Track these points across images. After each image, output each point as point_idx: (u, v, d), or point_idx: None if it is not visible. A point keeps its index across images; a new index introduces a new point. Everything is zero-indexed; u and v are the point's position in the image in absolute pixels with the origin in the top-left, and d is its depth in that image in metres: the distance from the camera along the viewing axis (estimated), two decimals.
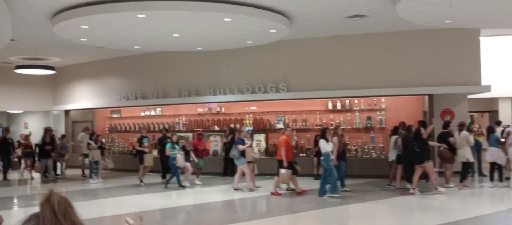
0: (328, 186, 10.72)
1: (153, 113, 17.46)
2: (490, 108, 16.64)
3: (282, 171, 10.85)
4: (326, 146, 10.61)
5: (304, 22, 11.97)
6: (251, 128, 15.47)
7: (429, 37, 13.32)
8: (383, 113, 14.56)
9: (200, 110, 16.63)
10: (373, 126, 14.55)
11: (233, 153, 11.82)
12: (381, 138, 14.44)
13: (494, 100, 16.23)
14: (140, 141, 13.89)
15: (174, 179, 12.40)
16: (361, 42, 13.85)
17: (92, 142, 14.26)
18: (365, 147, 14.40)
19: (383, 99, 14.47)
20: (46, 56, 16.63)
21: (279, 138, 11.69)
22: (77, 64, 18.74)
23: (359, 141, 14.52)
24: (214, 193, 12.06)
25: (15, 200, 11.86)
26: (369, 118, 14.62)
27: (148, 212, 9.38)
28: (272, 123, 15.51)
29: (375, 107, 14.62)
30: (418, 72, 13.40)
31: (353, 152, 14.38)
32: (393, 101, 14.55)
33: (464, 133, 11.66)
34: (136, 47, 14.01)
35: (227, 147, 14.76)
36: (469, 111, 14.10)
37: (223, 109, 16.29)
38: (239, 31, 11.67)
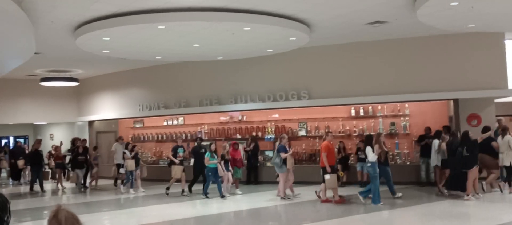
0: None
1: (175, 122, 17.56)
2: None
3: (327, 176, 10.75)
4: (371, 155, 10.49)
5: (324, 29, 11.88)
6: (273, 136, 15.44)
7: (452, 42, 13.07)
8: (407, 118, 14.31)
9: (223, 119, 16.65)
10: (397, 132, 14.31)
11: (276, 160, 11.60)
12: (406, 144, 14.20)
13: None
14: (175, 150, 13.52)
15: (211, 186, 12.28)
16: (383, 48, 13.67)
17: (127, 152, 14.04)
18: (390, 153, 14.16)
19: (406, 105, 14.23)
20: (70, 68, 16.93)
21: (321, 144, 11.55)
22: (100, 76, 19.02)
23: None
24: (260, 202, 11.72)
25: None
26: (393, 124, 14.40)
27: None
28: (295, 130, 15.42)
29: (399, 113, 14.39)
30: (442, 77, 13.14)
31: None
32: (417, 107, 14.29)
33: (508, 137, 11.36)
34: (157, 58, 14.14)
35: (250, 155, 14.75)
36: (496, 116, 13.74)
37: (245, 118, 16.28)
38: (259, 40, 11.66)
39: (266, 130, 15.70)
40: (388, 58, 13.70)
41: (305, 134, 15.26)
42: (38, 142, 16.48)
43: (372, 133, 11.68)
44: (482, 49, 12.98)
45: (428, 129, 13.08)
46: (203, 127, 16.93)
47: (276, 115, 15.80)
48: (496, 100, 13.76)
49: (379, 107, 14.49)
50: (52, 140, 22.19)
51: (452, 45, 13.12)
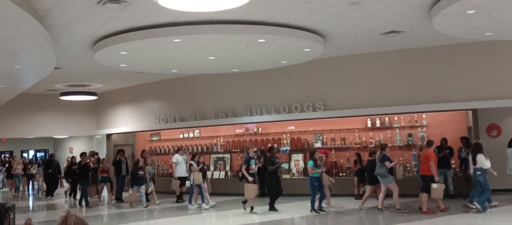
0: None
1: (191, 135, 17.65)
2: None
3: (434, 185, 10.61)
4: (484, 162, 10.45)
5: (339, 40, 11.88)
6: (288, 148, 15.39)
7: (469, 50, 12.92)
8: (424, 129, 14.15)
9: (238, 131, 16.69)
10: (414, 143, 14.14)
11: (381, 170, 11.04)
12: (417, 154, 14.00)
13: None
14: (247, 163, 11.80)
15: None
16: (398, 58, 13.58)
17: (194, 164, 13.00)
18: (407, 165, 14.00)
19: (424, 115, 14.08)
20: (89, 82, 17.20)
21: (424, 152, 11.19)
22: (117, 90, 19.28)
23: (401, 158, 14.14)
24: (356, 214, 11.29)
25: None
26: (410, 135, 14.24)
27: None
28: (310, 142, 15.36)
29: (416, 124, 14.23)
30: (460, 87, 12.98)
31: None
32: (435, 118, 14.12)
33: None
34: (173, 71, 14.27)
35: (261, 169, 14.43)
36: None
37: (260, 130, 16.29)
38: (273, 52, 11.70)
39: (282, 141, 15.67)
40: (404, 68, 13.60)
41: (321, 146, 15.17)
42: (92, 154, 16.39)
43: (478, 140, 11.34)
44: (500, 57, 12.80)
45: (444, 140, 12.90)
46: (219, 139, 16.99)
47: (292, 127, 15.77)
48: None
49: (396, 118, 14.36)
50: (71, 153, 22.48)
51: (469, 54, 12.97)
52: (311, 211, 11.26)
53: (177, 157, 14.33)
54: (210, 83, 16.26)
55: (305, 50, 11.70)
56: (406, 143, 14.23)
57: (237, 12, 9.14)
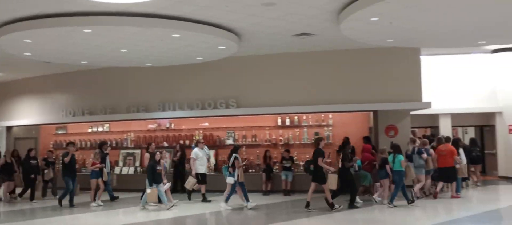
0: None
1: (100, 129, 17.08)
2: (432, 124, 17.39)
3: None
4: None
5: (253, 39, 12.16)
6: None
7: (373, 55, 13.83)
8: (330, 128, 14.91)
9: (150, 126, 16.42)
10: None
11: (420, 162, 12.01)
12: (328, 153, 14.74)
13: (435, 116, 16.99)
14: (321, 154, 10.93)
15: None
16: (309, 60, 14.19)
17: (238, 157, 11.70)
18: None
19: (330, 115, 14.84)
20: None
21: (447, 147, 12.41)
22: (21, 79, 18.12)
23: (307, 156, 14.76)
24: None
25: None
26: (317, 133, 14.93)
27: None
28: (222, 139, 15.54)
29: (323, 123, 14.96)
30: (363, 89, 13.86)
31: (301, 168, 14.59)
32: (340, 118, 14.95)
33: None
34: (83, 63, 13.74)
35: (177, 163, 14.62)
36: (412, 127, 14.68)
37: (173, 126, 16.18)
38: (188, 47, 11.71)
39: (194, 138, 15.69)
40: (314, 69, 14.24)
41: (232, 143, 15.41)
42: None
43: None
44: (400, 63, 13.85)
45: (346, 139, 13.68)
46: (129, 134, 16.60)
47: (206, 124, 15.84)
48: (412, 112, 14.69)
49: (305, 117, 14.99)
50: None
51: (372, 59, 13.89)
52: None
53: (196, 152, 12.88)
54: (122, 76, 15.83)
55: (220, 47, 11.84)
56: (313, 141, 14.86)
57: (152, 6, 9.05)
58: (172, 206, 11.63)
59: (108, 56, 12.48)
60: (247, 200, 11.49)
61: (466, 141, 15.72)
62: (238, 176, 11.45)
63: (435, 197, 12.13)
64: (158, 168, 11.64)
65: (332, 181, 11.01)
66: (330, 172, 11.05)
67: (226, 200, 11.49)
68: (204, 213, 11.33)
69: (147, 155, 12.68)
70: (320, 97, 14.01)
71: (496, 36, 11.68)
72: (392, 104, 13.64)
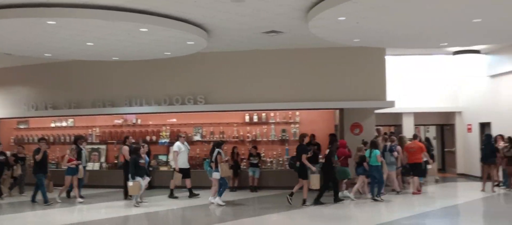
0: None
1: (64, 123, 16.71)
2: (395, 122, 17.82)
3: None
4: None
5: (222, 35, 12.15)
6: (167, 140, 15.34)
7: (340, 54, 14.05)
8: (297, 125, 15.07)
9: (117, 122, 16.17)
10: (287, 138, 15.00)
11: (392, 159, 12.52)
12: (295, 150, 14.86)
13: (399, 115, 17.42)
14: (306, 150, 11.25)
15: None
16: (278, 57, 14.29)
17: (222, 152, 11.64)
18: (280, 159, 14.79)
19: (297, 112, 14.99)
20: None
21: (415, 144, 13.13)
22: None
23: (274, 153, 14.91)
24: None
25: None
26: (284, 131, 15.06)
27: None
28: (190, 135, 15.47)
29: (290, 120, 15.10)
30: (330, 88, 14.08)
31: (268, 164, 14.72)
32: (307, 115, 15.12)
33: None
34: (47, 55, 13.40)
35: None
36: (376, 125, 15.00)
37: (139, 121, 15.98)
38: (156, 42, 11.59)
39: (161, 134, 15.56)
40: (282, 67, 14.35)
41: (200, 139, 15.39)
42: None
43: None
44: (366, 63, 14.13)
45: (312, 136, 13.87)
46: (94, 129, 16.31)
47: (174, 120, 15.73)
48: (376, 111, 15.01)
49: (272, 114, 15.09)
50: None
51: (339, 58, 14.11)
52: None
53: (178, 145, 12.75)
54: (87, 70, 15.51)
55: (189, 43, 11.78)
56: (280, 137, 15.03)
57: None
58: (140, 202, 11.54)
59: (73, 49, 12.21)
60: (220, 195, 11.45)
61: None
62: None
63: (417, 192, 12.81)
64: (140, 161, 11.50)
65: (315, 181, 11.21)
66: (312, 171, 11.18)
67: (220, 195, 11.45)
68: (173, 208, 11.32)
69: (125, 148, 12.54)
70: (287, 95, 14.14)
71: (457, 39, 12.06)
72: (357, 103, 13.92)
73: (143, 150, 11.81)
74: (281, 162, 14.75)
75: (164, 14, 9.98)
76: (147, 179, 11.84)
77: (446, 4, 8.55)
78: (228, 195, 12.78)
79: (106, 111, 15.31)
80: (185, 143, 13.03)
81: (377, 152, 11.79)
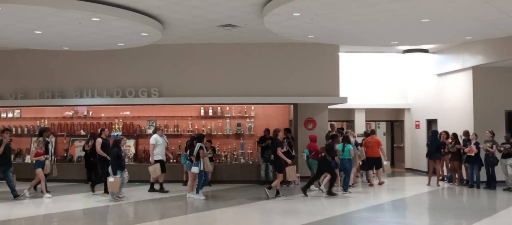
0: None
1: (10, 115, 16.04)
2: (348, 118, 18.23)
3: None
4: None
5: (177, 28, 12.02)
6: (120, 133, 15.03)
7: (295, 50, 14.22)
8: (252, 120, 15.14)
9: (67, 114, 15.68)
10: (242, 132, 15.04)
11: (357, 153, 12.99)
12: (249, 145, 14.99)
13: (351, 111, 17.82)
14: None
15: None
16: (234, 51, 14.29)
17: (204, 147, 11.44)
18: (235, 153, 14.82)
19: (252, 107, 15.05)
20: None
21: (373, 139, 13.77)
22: None
23: (229, 147, 14.91)
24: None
25: None
26: (239, 125, 15.09)
27: None
28: (143, 128, 15.23)
29: (245, 115, 15.15)
30: (285, 83, 14.22)
31: (223, 158, 14.72)
32: (262, 110, 15.21)
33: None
34: None
35: (88, 153, 13.80)
36: (329, 121, 15.30)
37: (91, 113, 15.58)
38: (109, 33, 11.32)
39: (114, 126, 15.23)
40: (237, 61, 14.37)
41: (153, 132, 15.13)
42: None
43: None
44: (320, 59, 14.36)
45: (267, 131, 13.98)
46: (43, 121, 15.76)
47: (128, 112, 15.43)
48: (329, 106, 15.30)
49: (227, 108, 15.08)
50: None
51: (294, 54, 14.28)
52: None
53: (155, 138, 12.52)
54: (36, 60, 14.95)
55: (143, 34, 11.58)
56: (235, 132, 15.05)
57: None
58: (122, 197, 11.38)
59: (19, 37, 11.73)
60: (197, 192, 11.29)
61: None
62: (203, 165, 11.17)
63: (371, 185, 13.56)
64: (121, 154, 11.21)
65: (292, 173, 11.67)
66: (288, 164, 11.61)
67: (197, 191, 11.27)
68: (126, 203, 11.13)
69: (99, 140, 12.20)
70: (243, 89, 14.17)
71: (406, 38, 12.45)
72: (311, 98, 14.15)
73: (123, 142, 11.55)
74: (235, 156, 14.78)
75: (117, 4, 9.76)
76: (126, 173, 11.47)
77: (395, 3, 8.80)
78: (183, 189, 12.67)
79: (55, 103, 14.81)
80: (164, 136, 12.85)
81: (350, 147, 12.30)
